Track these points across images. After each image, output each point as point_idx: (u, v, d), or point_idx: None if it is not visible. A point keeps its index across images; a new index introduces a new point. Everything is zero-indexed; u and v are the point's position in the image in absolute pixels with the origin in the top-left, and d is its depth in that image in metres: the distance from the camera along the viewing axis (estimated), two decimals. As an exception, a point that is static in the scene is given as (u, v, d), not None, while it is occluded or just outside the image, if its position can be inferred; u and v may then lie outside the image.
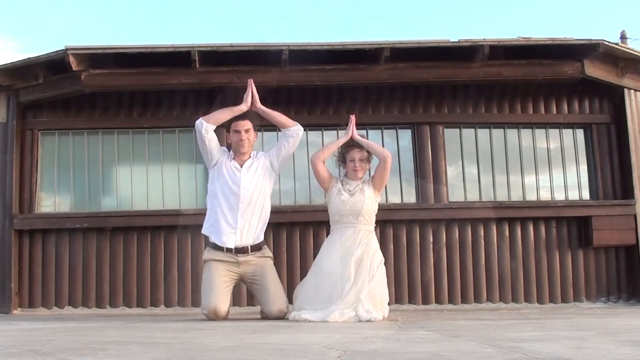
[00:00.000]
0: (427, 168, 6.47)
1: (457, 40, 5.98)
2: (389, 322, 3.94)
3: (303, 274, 4.78)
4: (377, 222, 4.50)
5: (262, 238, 4.56)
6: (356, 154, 4.46)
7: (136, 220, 6.32)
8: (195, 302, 5.90)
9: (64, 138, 6.57)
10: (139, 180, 6.51)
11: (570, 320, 4.01)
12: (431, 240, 6.41)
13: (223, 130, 5.62)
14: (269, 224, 4.64)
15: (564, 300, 6.39)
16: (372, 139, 6.01)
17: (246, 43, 6.01)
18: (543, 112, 6.70)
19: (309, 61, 6.07)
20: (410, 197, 6.52)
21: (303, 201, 6.48)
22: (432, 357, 1.95)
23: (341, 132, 4.63)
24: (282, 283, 4.81)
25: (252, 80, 4.63)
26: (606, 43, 6.05)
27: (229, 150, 4.66)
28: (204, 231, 4.63)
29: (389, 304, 4.36)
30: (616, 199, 6.52)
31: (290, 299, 4.54)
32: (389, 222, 6.24)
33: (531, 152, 6.69)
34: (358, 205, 4.34)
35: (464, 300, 6.33)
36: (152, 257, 6.31)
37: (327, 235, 4.65)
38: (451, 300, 6.32)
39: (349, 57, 6.07)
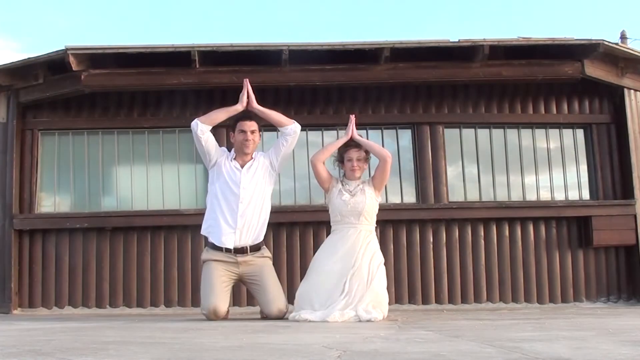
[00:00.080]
0: (427, 168, 6.47)
1: (457, 40, 5.98)
2: (389, 322, 3.94)
3: (303, 274, 4.78)
4: (377, 222, 4.49)
5: (261, 238, 4.56)
6: (354, 154, 4.45)
7: (136, 220, 6.32)
8: (195, 302, 5.91)
9: (64, 138, 6.57)
10: (139, 180, 6.51)
11: (570, 320, 4.01)
12: (431, 240, 6.41)
13: (222, 130, 5.64)
14: (269, 224, 4.64)
15: (564, 300, 6.39)
16: (372, 139, 6.03)
17: (246, 43, 6.02)
18: (543, 112, 6.71)
19: (309, 61, 6.07)
20: (410, 197, 6.52)
21: (303, 201, 6.48)
22: (432, 357, 1.95)
23: (341, 132, 4.62)
24: (282, 283, 4.81)
25: (247, 80, 4.63)
26: (606, 43, 6.05)
27: (230, 151, 4.66)
28: (203, 231, 4.63)
29: (388, 303, 4.36)
30: (616, 199, 6.52)
31: (290, 299, 4.54)
32: (389, 222, 6.24)
33: (531, 152, 6.69)
34: (359, 206, 4.33)
35: (464, 300, 6.33)
36: (152, 257, 6.31)
37: (327, 235, 4.64)
38: (451, 300, 6.32)
39: (349, 57, 6.07)
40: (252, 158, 4.59)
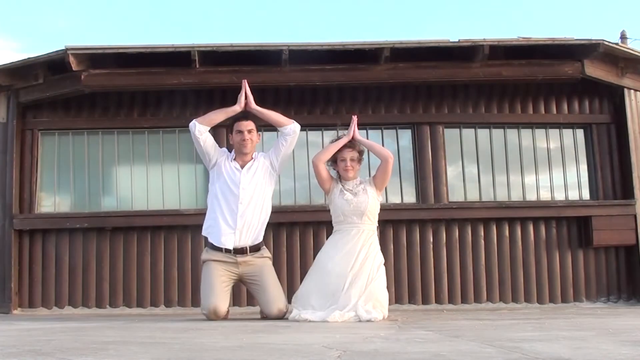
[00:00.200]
0: (427, 168, 6.47)
1: (457, 40, 5.98)
2: (389, 322, 3.94)
3: (303, 274, 4.79)
4: (377, 222, 4.49)
5: (261, 239, 4.56)
6: (347, 154, 4.44)
7: (136, 220, 6.32)
8: (195, 302, 5.91)
9: (64, 138, 6.57)
10: (139, 180, 6.51)
11: (570, 320, 4.01)
12: (431, 240, 6.41)
13: (222, 130, 5.64)
14: (269, 224, 4.64)
15: (564, 300, 6.39)
16: (372, 139, 6.04)
17: (246, 43, 6.02)
18: (543, 112, 6.71)
19: (309, 61, 6.07)
20: (410, 197, 6.52)
21: (303, 201, 6.48)
22: (432, 357, 1.95)
23: (341, 132, 4.61)
24: (282, 283, 4.81)
25: (245, 80, 4.63)
26: (606, 43, 6.06)
27: (230, 151, 4.66)
28: (203, 232, 4.62)
29: (388, 303, 4.36)
30: (616, 199, 6.52)
31: (289, 299, 4.54)
32: (389, 222, 6.24)
33: (531, 152, 6.69)
34: (362, 205, 4.33)
35: (464, 300, 6.33)
36: (152, 257, 6.32)
37: (327, 236, 4.64)
38: (451, 300, 6.32)
39: (349, 57, 6.07)
40: (252, 158, 4.58)
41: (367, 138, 5.26)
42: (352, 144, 4.50)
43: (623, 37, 11.06)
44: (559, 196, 6.64)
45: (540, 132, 6.72)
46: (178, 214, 6.28)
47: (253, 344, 2.50)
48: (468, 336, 2.73)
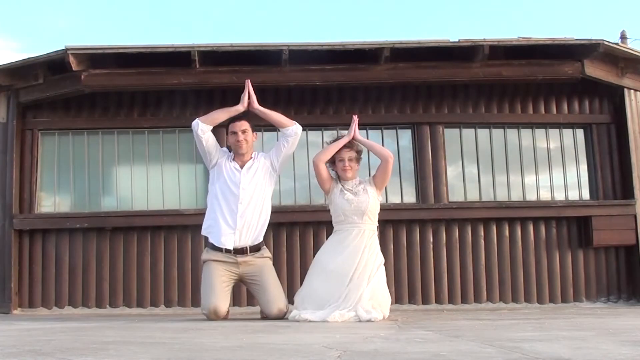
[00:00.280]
0: (427, 168, 6.47)
1: (457, 40, 5.98)
2: (389, 322, 3.94)
3: (303, 274, 4.78)
4: (377, 221, 4.49)
5: (261, 239, 4.56)
6: (345, 154, 4.44)
7: (136, 220, 6.32)
8: (195, 302, 5.91)
9: (64, 138, 6.57)
10: (139, 180, 6.51)
11: (570, 320, 4.01)
12: (431, 240, 6.41)
13: (223, 130, 5.64)
14: (269, 224, 4.63)
15: (564, 300, 6.39)
16: (372, 139, 6.04)
17: (246, 43, 6.02)
18: (543, 112, 6.71)
19: (309, 61, 6.07)
20: (410, 197, 6.52)
21: (303, 201, 6.48)
22: (432, 357, 1.95)
23: (341, 132, 4.61)
24: (282, 283, 4.81)
25: (249, 80, 4.62)
26: (606, 43, 6.06)
27: (230, 152, 4.65)
28: (203, 231, 4.62)
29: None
30: (616, 199, 6.52)
31: (290, 299, 4.54)
32: (389, 222, 6.24)
33: (531, 152, 6.69)
34: (363, 205, 4.33)
35: (464, 300, 6.33)
36: (152, 257, 6.32)
37: (327, 236, 4.64)
38: (451, 300, 6.32)
39: (349, 57, 6.07)
40: (251, 158, 4.58)
41: (367, 138, 5.25)
42: (350, 144, 4.50)
43: (623, 37, 11.07)
44: (559, 196, 6.64)
45: (540, 132, 6.72)
46: (178, 214, 6.28)
47: (253, 344, 2.50)
48: (468, 336, 2.73)
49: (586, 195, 6.65)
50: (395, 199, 6.50)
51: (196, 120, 4.51)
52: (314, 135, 6.48)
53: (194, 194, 6.47)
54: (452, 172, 6.61)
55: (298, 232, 6.35)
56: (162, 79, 6.18)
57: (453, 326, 3.48)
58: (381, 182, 4.48)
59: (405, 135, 6.65)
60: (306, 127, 5.83)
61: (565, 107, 6.72)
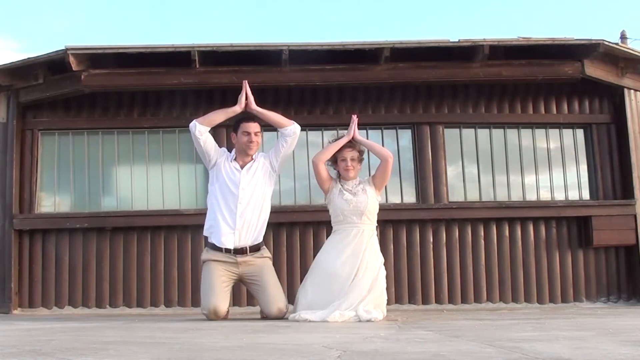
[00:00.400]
0: (427, 168, 6.47)
1: (457, 40, 5.98)
2: (389, 322, 3.94)
3: (303, 274, 4.78)
4: (377, 222, 4.49)
5: (261, 239, 4.56)
6: (347, 154, 4.44)
7: (136, 220, 6.32)
8: (195, 302, 5.91)
9: (64, 138, 6.57)
10: (139, 180, 6.51)
11: (570, 320, 4.01)
12: (431, 240, 6.41)
13: (222, 130, 5.65)
14: (269, 224, 4.64)
15: (564, 300, 6.39)
16: (372, 139, 6.04)
17: (246, 43, 6.01)
18: (543, 112, 6.71)
19: (309, 61, 6.07)
20: (410, 197, 6.52)
21: (303, 201, 6.48)
22: (432, 357, 1.95)
23: (341, 132, 4.61)
24: (282, 283, 4.81)
25: (246, 81, 4.62)
26: (606, 43, 6.06)
27: (230, 151, 4.65)
28: (204, 232, 4.62)
29: (388, 303, 4.36)
30: (616, 199, 6.52)
31: (290, 299, 4.54)
32: (389, 222, 6.24)
33: (531, 152, 6.69)
34: (362, 205, 4.33)
35: (464, 300, 6.33)
36: (152, 257, 6.32)
37: (327, 235, 4.64)
38: (451, 300, 6.32)
39: (349, 57, 6.07)
40: (252, 159, 4.58)
41: (367, 138, 5.25)
42: (352, 143, 4.51)
43: (623, 37, 11.07)
44: (559, 196, 6.64)
45: (540, 132, 6.72)
46: (178, 214, 6.28)
47: (253, 344, 2.50)
48: (468, 336, 2.73)
49: (586, 195, 6.64)
50: (395, 199, 6.50)
51: (193, 121, 4.52)
52: (314, 135, 6.48)
53: (194, 194, 6.47)
54: (452, 172, 6.61)
55: (298, 232, 6.35)
56: (162, 79, 6.18)
57: (453, 326, 3.48)
58: (380, 182, 4.48)
59: (405, 135, 6.65)
60: (306, 127, 5.84)
61: (565, 107, 6.72)
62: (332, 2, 41.62)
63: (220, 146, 4.71)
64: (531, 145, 6.71)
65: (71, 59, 5.87)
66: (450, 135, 6.62)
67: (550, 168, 6.69)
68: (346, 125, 4.62)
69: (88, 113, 6.56)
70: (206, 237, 4.65)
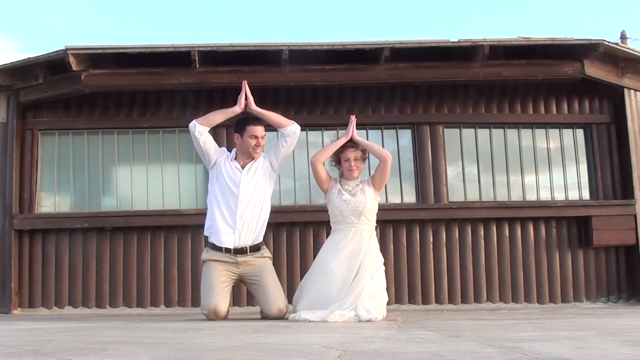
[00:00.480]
0: (427, 168, 6.47)
1: (457, 40, 5.98)
2: (389, 322, 3.94)
3: (303, 274, 4.78)
4: (377, 222, 4.49)
5: (261, 239, 4.56)
6: (351, 154, 4.45)
7: (136, 220, 6.32)
8: (195, 302, 5.91)
9: (64, 138, 6.57)
10: (139, 180, 6.51)
11: (570, 320, 4.01)
12: (431, 240, 6.41)
13: (222, 130, 5.65)
14: (268, 223, 4.64)
15: (564, 300, 6.39)
16: (372, 138, 6.06)
17: (246, 43, 6.01)
18: (543, 112, 6.70)
19: (309, 61, 6.07)
20: (410, 197, 6.52)
21: (303, 201, 6.48)
22: (432, 357, 1.95)
23: (341, 132, 4.62)
24: (282, 283, 4.81)
25: (245, 82, 4.62)
26: (606, 43, 6.06)
27: (230, 151, 4.66)
28: (205, 232, 4.62)
29: (388, 304, 4.36)
30: (616, 199, 6.52)
31: (290, 299, 4.54)
32: (389, 222, 6.24)
33: (531, 152, 6.69)
34: (360, 205, 4.33)
35: (464, 300, 6.33)
36: (152, 257, 6.31)
37: (327, 235, 4.64)
38: (451, 300, 6.32)
39: (349, 57, 6.07)
40: (253, 159, 4.58)
41: (367, 138, 5.26)
42: (355, 143, 4.51)
43: (623, 37, 11.08)
44: (559, 196, 6.64)
45: (540, 132, 6.72)
46: (178, 214, 6.28)
47: (253, 344, 2.50)
48: (468, 336, 2.73)
49: (586, 195, 6.64)
50: (395, 199, 6.50)
51: (193, 122, 4.52)
52: (314, 135, 6.48)
53: (194, 194, 6.47)
54: (452, 172, 6.61)
55: (298, 232, 6.35)
56: (162, 79, 6.18)
57: (453, 326, 3.48)
58: (379, 183, 4.48)
59: (405, 135, 6.65)
60: (306, 127, 5.84)
61: (565, 107, 6.72)
62: (332, 2, 41.63)
63: (219, 146, 4.71)
64: (531, 145, 6.71)
65: (71, 59, 5.87)
66: (450, 135, 6.62)
67: (550, 168, 6.69)
68: (346, 125, 4.62)
69: (88, 113, 6.56)
70: (206, 237, 4.65)
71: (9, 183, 6.25)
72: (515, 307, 6.21)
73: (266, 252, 4.62)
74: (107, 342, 2.65)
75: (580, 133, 6.75)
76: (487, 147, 6.66)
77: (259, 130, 4.51)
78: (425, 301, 6.30)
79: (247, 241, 4.46)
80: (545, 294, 6.38)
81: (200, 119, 4.53)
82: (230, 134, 4.74)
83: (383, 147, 5.53)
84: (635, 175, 6.43)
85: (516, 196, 6.60)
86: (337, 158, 4.51)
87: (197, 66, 5.99)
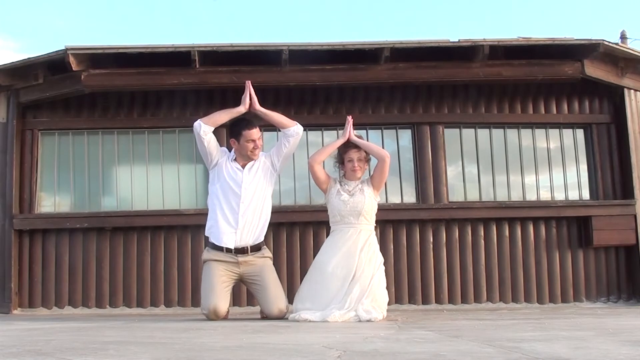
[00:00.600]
0: (427, 168, 6.47)
1: (457, 40, 5.98)
2: (389, 322, 3.94)
3: (303, 273, 4.78)
4: (377, 222, 4.49)
5: (262, 239, 4.56)
6: (354, 154, 4.44)
7: (136, 220, 6.32)
8: (195, 302, 5.91)
9: (64, 138, 6.57)
10: (139, 180, 6.51)
11: (570, 320, 4.01)
12: (431, 240, 6.41)
13: (223, 130, 5.64)
14: (269, 223, 4.64)
15: (564, 300, 6.39)
16: (372, 139, 6.06)
17: (246, 43, 6.02)
18: (543, 112, 6.71)
19: (309, 61, 6.07)
20: (410, 197, 6.52)
21: (303, 201, 6.48)
22: (432, 357, 1.95)
23: (341, 133, 4.62)
24: (282, 283, 4.80)
25: (249, 82, 4.62)
26: (606, 43, 6.06)
27: (230, 151, 4.65)
28: (206, 232, 4.62)
29: (388, 304, 4.36)
30: (616, 199, 6.52)
31: (290, 299, 4.54)
32: (389, 222, 6.24)
33: (531, 152, 6.69)
34: (359, 206, 4.33)
35: (464, 300, 6.33)
36: (152, 257, 6.32)
37: (327, 235, 4.64)
38: (451, 300, 6.32)
39: (349, 57, 6.07)
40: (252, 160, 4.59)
41: (367, 138, 5.25)
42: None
43: (623, 37, 11.07)
44: (559, 196, 6.64)
45: (540, 132, 6.72)
46: (178, 214, 6.27)
47: (253, 344, 2.50)
48: (468, 336, 2.73)
49: (586, 195, 6.65)
50: (395, 199, 6.50)
51: (198, 121, 4.51)
52: (314, 135, 6.48)
53: (194, 194, 6.47)
54: (452, 172, 6.61)
55: (298, 232, 6.35)
56: (162, 79, 6.18)
57: (453, 326, 3.48)
58: (379, 182, 4.48)
59: (405, 135, 6.65)
60: (306, 127, 5.80)
61: (565, 107, 6.72)
62: (332, 2, 41.63)
63: (221, 145, 4.70)
64: (531, 145, 6.71)
65: (71, 59, 5.87)
66: (450, 135, 6.62)
67: (550, 168, 6.69)
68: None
69: (88, 113, 6.56)
70: (207, 237, 4.65)
71: (9, 183, 6.25)
72: (515, 307, 6.21)
73: (267, 252, 4.62)
74: (107, 342, 2.65)
75: (580, 133, 6.76)
76: (487, 147, 6.66)
77: (255, 133, 4.50)
78: (425, 301, 6.30)
79: (248, 241, 4.46)
80: (545, 294, 6.38)
81: (205, 119, 4.53)
82: (230, 140, 4.72)
83: (383, 147, 5.54)
84: (635, 175, 6.43)
85: (516, 196, 6.60)
86: (341, 159, 4.51)
87: (197, 66, 5.99)
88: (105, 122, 6.54)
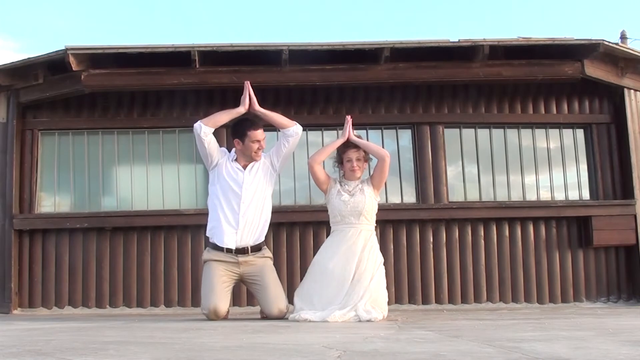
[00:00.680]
0: (427, 168, 6.47)
1: (457, 40, 5.98)
2: (389, 322, 3.94)
3: (303, 273, 4.78)
4: (377, 222, 4.49)
5: (262, 239, 4.56)
6: (353, 154, 4.44)
7: (136, 220, 6.32)
8: (195, 302, 5.91)
9: (64, 138, 6.57)
10: (139, 180, 6.51)
11: (570, 320, 4.01)
12: (431, 240, 6.41)
13: (223, 131, 5.64)
14: (269, 224, 4.63)
15: (564, 300, 6.39)
16: (372, 139, 6.06)
17: (246, 43, 6.02)
18: (543, 112, 6.71)
19: (309, 61, 6.07)
20: (410, 197, 6.52)
21: (303, 201, 6.48)
22: (432, 357, 1.95)
23: (340, 133, 4.62)
24: (282, 283, 4.80)
25: (248, 82, 4.62)
26: (606, 43, 6.06)
27: (230, 151, 4.66)
28: (207, 233, 4.62)
29: (388, 304, 4.36)
30: (616, 199, 6.52)
31: (290, 299, 4.54)
32: (389, 222, 6.24)
33: (531, 152, 6.69)
34: (359, 206, 4.33)
35: (464, 300, 6.33)
36: (152, 257, 6.31)
37: (327, 235, 4.64)
38: (451, 300, 6.32)
39: (349, 57, 6.07)
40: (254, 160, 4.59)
41: (367, 138, 5.25)
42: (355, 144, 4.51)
43: (623, 37, 11.08)
44: (559, 196, 6.64)
45: (540, 132, 6.72)
46: (178, 214, 6.27)
47: (253, 344, 2.50)
48: (468, 336, 2.73)
49: (586, 195, 6.65)
50: (395, 199, 6.50)
51: (198, 123, 4.50)
52: (314, 135, 6.48)
53: (194, 194, 6.47)
54: (452, 172, 6.61)
55: (298, 232, 6.35)
56: (162, 79, 6.18)
57: (453, 326, 3.48)
58: (378, 182, 4.48)
59: (405, 135, 6.65)
60: (306, 127, 5.81)
61: (565, 107, 6.72)
62: (332, 2, 41.63)
63: (220, 146, 4.71)
64: (531, 145, 6.71)
65: (71, 59, 5.87)
66: (450, 135, 6.62)
67: (550, 168, 6.69)
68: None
69: (88, 113, 6.56)
70: (207, 238, 4.65)
71: (9, 183, 6.25)
72: (515, 307, 6.21)
73: (267, 252, 4.62)
74: (107, 342, 2.65)
75: (580, 133, 6.76)
76: (487, 147, 6.66)
77: (260, 134, 4.51)
78: (425, 301, 6.30)
79: (248, 241, 4.46)
80: (545, 294, 6.38)
81: (205, 120, 4.52)
82: (234, 140, 4.72)
83: (383, 147, 5.53)
84: (635, 175, 6.43)
85: (516, 196, 6.60)
86: (340, 158, 4.51)
87: (197, 66, 5.99)
88: (105, 122, 6.54)
